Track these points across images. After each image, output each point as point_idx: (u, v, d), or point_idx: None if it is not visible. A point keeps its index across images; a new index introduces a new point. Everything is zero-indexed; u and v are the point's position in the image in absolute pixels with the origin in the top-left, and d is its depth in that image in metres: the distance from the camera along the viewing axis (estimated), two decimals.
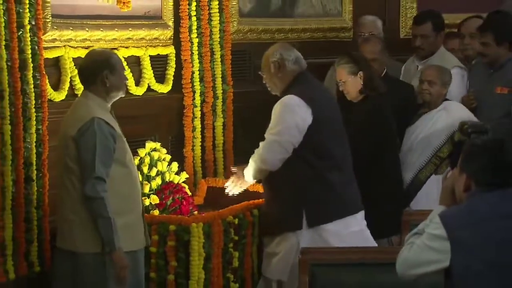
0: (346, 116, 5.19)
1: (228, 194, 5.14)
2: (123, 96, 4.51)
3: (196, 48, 5.71)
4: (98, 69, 4.35)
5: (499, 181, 3.19)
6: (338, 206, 4.87)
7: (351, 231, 4.88)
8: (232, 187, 5.13)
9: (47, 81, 4.76)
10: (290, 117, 4.82)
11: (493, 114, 5.56)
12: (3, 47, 4.44)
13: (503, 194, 3.19)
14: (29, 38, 4.59)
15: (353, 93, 5.38)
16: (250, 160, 4.95)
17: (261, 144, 4.88)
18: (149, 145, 5.16)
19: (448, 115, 5.49)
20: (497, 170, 3.19)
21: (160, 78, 5.69)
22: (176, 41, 5.69)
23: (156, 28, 5.58)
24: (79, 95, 4.61)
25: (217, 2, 5.76)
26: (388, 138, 5.44)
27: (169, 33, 5.67)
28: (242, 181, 5.08)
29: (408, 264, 3.22)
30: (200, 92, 5.77)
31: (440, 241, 3.13)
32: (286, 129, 4.82)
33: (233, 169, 5.23)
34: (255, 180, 5.07)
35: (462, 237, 3.12)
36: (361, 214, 5.00)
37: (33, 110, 4.63)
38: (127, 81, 4.65)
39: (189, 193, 5.30)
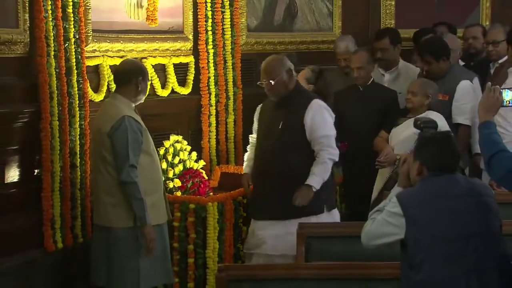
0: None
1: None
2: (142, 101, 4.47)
3: (212, 57, 5.71)
4: (134, 74, 4.35)
5: (446, 167, 3.21)
6: None
7: None
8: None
9: (88, 84, 4.78)
10: (329, 115, 4.80)
11: None
12: (52, 56, 4.47)
13: (449, 178, 3.21)
14: (74, 49, 4.62)
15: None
16: (322, 164, 4.68)
17: (324, 144, 4.70)
18: (173, 137, 5.18)
19: None
20: (444, 158, 3.21)
21: (182, 82, 5.69)
22: (195, 52, 5.70)
23: (179, 41, 5.60)
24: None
25: (229, 19, 5.78)
26: None
27: (189, 45, 5.69)
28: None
29: (370, 235, 3.27)
30: (215, 94, 5.77)
31: (397, 218, 3.16)
32: (331, 124, 4.80)
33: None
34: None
35: (414, 214, 3.14)
36: None
37: (77, 108, 4.65)
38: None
39: (206, 178, 5.34)
